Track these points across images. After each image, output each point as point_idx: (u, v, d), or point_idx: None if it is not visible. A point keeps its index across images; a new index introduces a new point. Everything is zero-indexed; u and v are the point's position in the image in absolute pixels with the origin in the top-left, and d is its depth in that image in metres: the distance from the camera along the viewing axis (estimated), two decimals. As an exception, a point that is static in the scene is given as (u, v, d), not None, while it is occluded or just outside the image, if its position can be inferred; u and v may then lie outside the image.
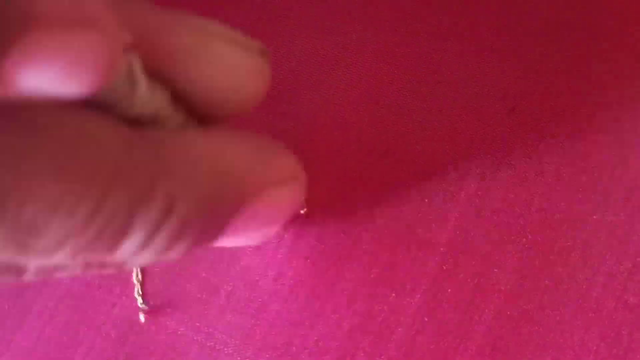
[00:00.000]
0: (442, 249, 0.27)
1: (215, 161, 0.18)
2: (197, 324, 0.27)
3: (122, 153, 0.16)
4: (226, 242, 0.21)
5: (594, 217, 0.27)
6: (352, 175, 0.29)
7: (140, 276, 0.28)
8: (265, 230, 0.22)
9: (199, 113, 0.20)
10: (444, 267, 0.27)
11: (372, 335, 0.26)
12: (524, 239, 0.27)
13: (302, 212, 0.28)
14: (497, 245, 0.27)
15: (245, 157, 0.19)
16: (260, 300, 0.28)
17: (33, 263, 0.17)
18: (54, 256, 0.16)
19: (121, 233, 0.17)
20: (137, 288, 0.28)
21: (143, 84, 0.18)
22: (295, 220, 0.28)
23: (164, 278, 0.28)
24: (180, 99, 0.19)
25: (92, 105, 0.17)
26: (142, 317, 0.28)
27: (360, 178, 0.29)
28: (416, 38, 0.31)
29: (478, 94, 0.30)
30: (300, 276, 0.28)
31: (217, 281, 0.28)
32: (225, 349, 0.27)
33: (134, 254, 0.18)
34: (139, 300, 0.28)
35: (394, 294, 0.27)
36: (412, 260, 0.27)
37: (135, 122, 0.18)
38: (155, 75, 0.18)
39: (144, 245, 0.18)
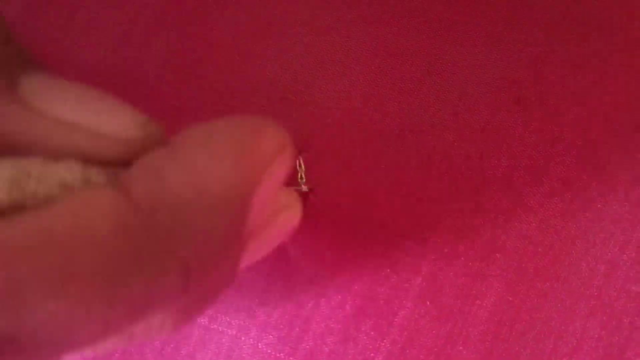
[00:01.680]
0: (444, 233, 0.27)
1: (200, 191, 0.17)
2: (201, 306, 0.28)
3: (119, 237, 0.16)
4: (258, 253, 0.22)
5: (598, 205, 0.27)
6: (357, 167, 0.29)
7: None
8: (284, 223, 0.22)
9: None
10: (446, 251, 0.27)
11: (374, 318, 0.27)
12: (527, 226, 0.27)
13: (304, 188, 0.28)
14: (500, 230, 0.27)
15: (224, 164, 0.18)
16: (263, 281, 0.28)
17: None
18: (89, 350, 0.17)
19: (143, 313, 0.16)
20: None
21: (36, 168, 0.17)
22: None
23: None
24: None
25: None
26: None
27: (364, 170, 0.29)
28: (423, 30, 0.31)
29: (486, 84, 0.30)
30: (303, 256, 0.28)
31: (221, 263, 0.28)
32: (229, 331, 0.27)
33: (170, 327, 0.18)
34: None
35: (395, 276, 0.27)
36: (414, 242, 0.27)
37: None
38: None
39: (177, 319, 0.18)
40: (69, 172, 0.17)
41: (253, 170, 0.18)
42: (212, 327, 0.27)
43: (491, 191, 0.28)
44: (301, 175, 0.28)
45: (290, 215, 0.22)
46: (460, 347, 0.26)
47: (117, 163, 0.18)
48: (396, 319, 0.27)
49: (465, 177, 0.28)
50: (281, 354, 0.27)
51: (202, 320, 0.27)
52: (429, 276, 0.27)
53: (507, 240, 0.27)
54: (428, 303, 0.27)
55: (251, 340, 0.27)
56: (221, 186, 0.17)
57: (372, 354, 0.26)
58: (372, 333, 0.26)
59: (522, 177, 0.28)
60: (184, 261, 0.16)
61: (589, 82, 0.29)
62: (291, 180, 0.28)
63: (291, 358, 0.27)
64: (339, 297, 0.27)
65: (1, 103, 0.17)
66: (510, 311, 0.26)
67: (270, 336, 0.27)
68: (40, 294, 0.14)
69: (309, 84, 0.30)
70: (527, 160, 0.28)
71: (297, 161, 0.28)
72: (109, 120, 0.18)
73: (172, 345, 0.27)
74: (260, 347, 0.27)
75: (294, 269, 0.28)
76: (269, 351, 0.27)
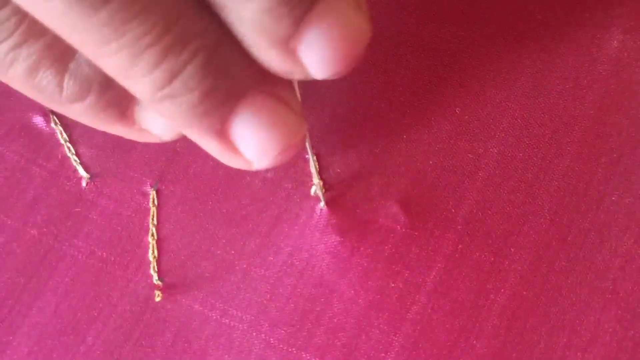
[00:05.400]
0: (459, 227, 0.27)
1: None
2: (212, 301, 0.27)
3: None
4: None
5: (613, 198, 0.27)
6: (369, 153, 0.29)
7: (155, 253, 0.28)
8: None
9: None
10: (460, 246, 0.27)
11: (387, 313, 0.26)
12: (542, 220, 0.27)
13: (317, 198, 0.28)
14: (514, 225, 0.27)
15: None
16: (275, 276, 0.28)
17: None
18: None
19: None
20: (153, 265, 0.28)
21: None
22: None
23: (179, 255, 0.28)
24: None
25: None
26: (157, 294, 0.28)
27: (377, 156, 0.29)
28: (433, 24, 0.31)
29: (496, 75, 0.29)
30: (315, 251, 0.28)
31: (232, 258, 0.28)
32: (241, 326, 0.27)
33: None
34: (155, 277, 0.28)
35: (408, 271, 0.27)
36: (427, 238, 0.27)
37: None
38: None
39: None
40: None
41: None
42: (223, 321, 0.27)
43: (504, 186, 0.28)
44: (316, 172, 0.28)
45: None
46: (474, 341, 0.26)
47: None
48: (409, 314, 0.26)
49: (475, 170, 0.28)
50: (293, 349, 0.26)
51: (214, 314, 0.27)
52: (443, 271, 0.27)
53: (521, 234, 0.27)
54: (441, 298, 0.26)
55: (263, 335, 0.27)
56: None
57: (384, 348, 0.26)
58: (385, 327, 0.26)
59: (532, 169, 0.28)
60: None
61: (600, 70, 0.29)
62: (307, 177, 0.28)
63: (303, 353, 0.26)
64: (352, 292, 0.27)
65: None
66: (524, 305, 0.26)
67: (282, 331, 0.27)
68: None
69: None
70: (538, 152, 0.28)
71: (313, 158, 0.28)
72: None
73: (183, 339, 0.27)
74: (272, 341, 0.27)
75: (306, 264, 0.28)
76: (281, 346, 0.27)
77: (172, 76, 0.19)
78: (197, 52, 0.19)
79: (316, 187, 0.28)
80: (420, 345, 0.26)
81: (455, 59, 0.30)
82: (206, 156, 0.24)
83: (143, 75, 0.19)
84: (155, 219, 0.29)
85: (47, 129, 0.31)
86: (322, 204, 0.28)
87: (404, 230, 0.27)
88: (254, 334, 0.27)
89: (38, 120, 0.31)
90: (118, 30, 0.18)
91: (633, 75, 0.29)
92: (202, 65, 0.19)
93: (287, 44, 0.19)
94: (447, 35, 0.30)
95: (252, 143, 0.21)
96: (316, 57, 0.20)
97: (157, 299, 0.28)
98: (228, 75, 0.20)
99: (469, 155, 0.28)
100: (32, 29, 0.21)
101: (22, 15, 0.21)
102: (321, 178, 0.28)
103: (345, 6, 0.20)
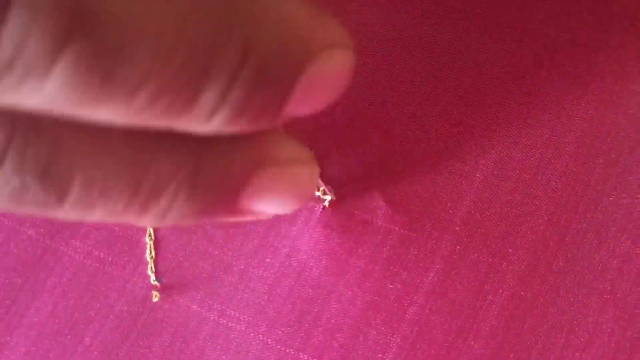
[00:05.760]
0: (457, 228, 0.27)
1: (285, 13, 0.17)
2: (210, 302, 0.27)
3: None
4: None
5: (610, 198, 0.27)
6: (367, 153, 0.29)
7: (153, 253, 0.28)
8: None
9: None
10: (458, 247, 0.27)
11: (385, 313, 0.26)
12: (539, 220, 0.27)
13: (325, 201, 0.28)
14: (511, 226, 0.27)
15: (305, 12, 0.18)
16: (273, 277, 0.27)
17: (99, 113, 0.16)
18: (135, 97, 0.16)
19: (200, 76, 0.16)
20: (150, 265, 0.28)
21: None
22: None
23: (176, 256, 0.28)
24: None
25: None
26: (154, 295, 0.28)
27: (376, 156, 0.29)
28: (433, 20, 0.31)
29: (495, 75, 0.29)
30: (313, 252, 0.28)
31: (229, 259, 0.28)
32: (238, 326, 0.27)
33: (210, 114, 0.17)
34: (152, 277, 0.28)
35: (406, 273, 0.27)
36: (425, 239, 0.27)
37: None
38: None
39: (223, 97, 0.17)
40: None
41: (321, 35, 0.18)
42: (221, 322, 0.27)
43: (502, 186, 0.28)
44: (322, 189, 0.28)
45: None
46: (471, 342, 0.26)
47: None
48: (407, 314, 0.26)
49: (473, 170, 0.28)
50: (290, 350, 0.26)
51: (211, 315, 0.27)
52: (441, 272, 0.27)
53: (519, 235, 0.27)
54: (439, 299, 0.26)
55: (260, 335, 0.27)
56: (298, 23, 0.18)
57: (382, 349, 0.26)
58: (383, 328, 0.26)
59: (530, 170, 0.28)
60: (249, 37, 0.17)
61: (600, 72, 0.29)
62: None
63: (300, 353, 0.26)
64: (350, 293, 0.27)
65: None
66: (522, 306, 0.26)
67: (280, 332, 0.27)
68: None
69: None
70: (536, 153, 0.28)
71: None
72: None
73: (180, 340, 0.27)
74: (269, 342, 0.27)
75: (303, 265, 0.28)
76: (278, 347, 0.27)
77: (163, 215, 0.19)
78: (177, 192, 0.19)
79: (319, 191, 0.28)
80: (418, 346, 0.26)
81: (453, 58, 0.30)
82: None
83: (136, 222, 0.19)
84: (152, 219, 0.29)
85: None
86: (326, 202, 0.28)
87: (402, 231, 0.27)
88: (252, 334, 0.27)
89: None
90: (87, 211, 0.18)
91: (632, 75, 0.29)
92: (187, 197, 0.19)
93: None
94: (447, 34, 0.30)
95: (269, 210, 0.21)
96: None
97: (155, 300, 0.28)
98: (218, 184, 0.20)
99: (467, 156, 0.28)
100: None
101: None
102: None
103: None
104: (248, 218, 0.22)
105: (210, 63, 0.16)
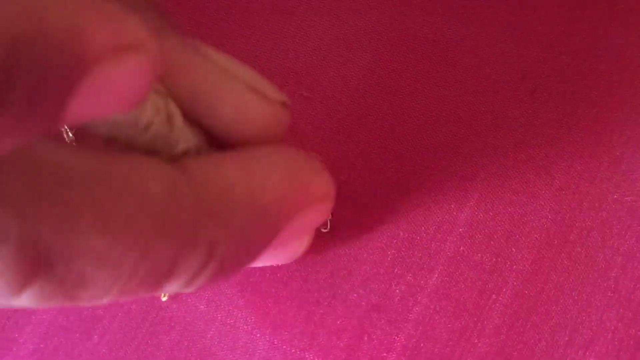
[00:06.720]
0: (460, 229, 0.27)
1: (251, 194, 0.18)
2: (218, 302, 0.28)
3: (167, 200, 0.17)
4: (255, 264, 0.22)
5: (614, 196, 0.27)
6: (369, 158, 0.29)
7: (159, 253, 0.29)
8: (293, 250, 0.22)
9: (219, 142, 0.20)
10: (462, 248, 0.27)
11: (389, 314, 0.27)
12: (543, 219, 0.27)
13: (324, 230, 0.28)
14: (515, 225, 0.27)
15: (279, 184, 0.19)
16: (279, 278, 0.28)
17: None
18: (99, 301, 0.17)
19: (164, 278, 0.17)
20: (157, 265, 0.28)
21: (180, 120, 0.18)
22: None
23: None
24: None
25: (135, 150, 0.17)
26: (163, 294, 0.28)
27: (377, 161, 0.29)
28: (434, 19, 0.30)
29: (498, 75, 0.29)
30: (318, 255, 0.28)
31: (236, 259, 0.28)
32: (245, 327, 0.27)
33: (174, 292, 0.18)
34: (159, 277, 0.28)
35: (410, 274, 0.27)
36: (429, 240, 0.27)
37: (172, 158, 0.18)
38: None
39: (185, 286, 0.18)
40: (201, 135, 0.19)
41: (299, 200, 0.19)
42: (228, 322, 0.27)
43: (505, 186, 0.28)
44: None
45: (326, 204, 0.22)
46: (475, 340, 0.26)
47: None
48: (411, 315, 0.27)
49: (476, 170, 0.28)
50: (296, 350, 0.27)
51: (218, 315, 0.28)
52: (445, 273, 0.27)
53: (523, 234, 0.27)
54: (443, 299, 0.27)
55: (267, 336, 0.27)
56: (269, 198, 0.19)
57: (387, 348, 0.26)
58: (387, 328, 0.26)
59: (534, 169, 0.28)
60: (214, 241, 0.17)
61: (603, 69, 0.29)
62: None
63: (306, 353, 0.27)
64: (355, 295, 0.27)
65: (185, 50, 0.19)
66: (526, 304, 0.26)
67: (285, 332, 0.27)
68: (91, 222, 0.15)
69: (315, 73, 0.30)
70: (540, 151, 0.28)
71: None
72: (262, 81, 0.20)
73: (188, 339, 0.27)
74: (275, 342, 0.27)
75: (310, 267, 0.28)
76: (284, 347, 0.27)
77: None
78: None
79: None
80: (422, 345, 0.26)
81: (456, 56, 0.30)
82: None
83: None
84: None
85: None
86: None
87: (406, 234, 0.28)
88: (258, 334, 0.27)
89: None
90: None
91: (636, 73, 0.28)
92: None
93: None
94: (447, 34, 0.30)
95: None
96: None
97: (163, 299, 0.28)
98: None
99: (470, 157, 0.28)
100: None
101: None
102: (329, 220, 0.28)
103: None
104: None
105: (173, 270, 0.17)
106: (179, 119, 0.18)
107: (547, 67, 0.29)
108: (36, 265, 0.15)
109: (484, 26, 0.30)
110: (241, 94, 0.20)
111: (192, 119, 0.19)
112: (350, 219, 0.28)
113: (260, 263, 0.24)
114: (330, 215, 0.28)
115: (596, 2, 0.30)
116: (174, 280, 0.17)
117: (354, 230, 0.28)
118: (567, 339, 0.26)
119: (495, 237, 0.27)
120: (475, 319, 0.26)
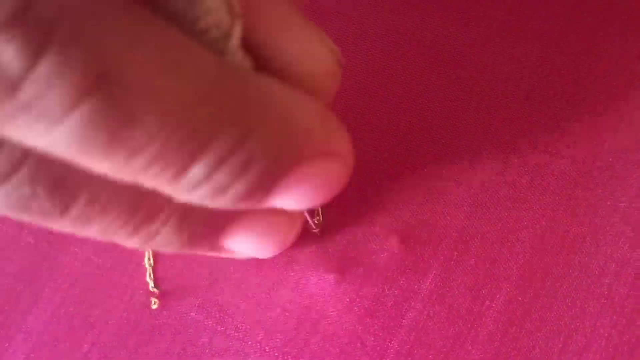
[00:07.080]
0: (454, 234, 0.27)
1: (285, 112, 0.19)
2: (208, 309, 0.27)
3: (215, 77, 0.17)
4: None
5: (608, 203, 0.27)
6: (362, 159, 0.29)
7: (151, 260, 0.28)
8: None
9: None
10: (455, 254, 0.27)
11: (382, 319, 0.26)
12: (537, 225, 0.27)
13: (314, 231, 0.28)
14: (509, 231, 0.27)
15: (311, 119, 0.19)
16: (271, 285, 0.28)
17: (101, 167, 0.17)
18: (133, 159, 0.17)
19: (194, 153, 0.17)
20: (149, 272, 0.28)
21: (237, 39, 0.19)
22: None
23: (175, 262, 0.28)
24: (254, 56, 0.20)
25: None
26: (153, 301, 0.28)
27: (370, 162, 0.29)
28: (432, 21, 0.31)
29: (495, 77, 0.29)
30: (311, 261, 0.28)
31: (228, 266, 0.28)
32: (236, 334, 0.27)
33: (193, 187, 0.18)
34: (151, 284, 0.28)
35: (404, 279, 0.27)
36: (423, 245, 0.27)
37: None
38: (244, 35, 0.19)
39: (207, 176, 0.18)
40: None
41: (321, 140, 0.20)
42: (219, 329, 0.27)
43: (499, 192, 0.28)
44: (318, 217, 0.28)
45: (343, 167, 0.21)
46: (469, 347, 0.26)
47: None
48: (405, 320, 0.26)
49: (471, 175, 0.28)
50: (288, 357, 0.26)
51: (209, 322, 0.27)
52: (438, 278, 0.27)
53: (517, 240, 0.27)
54: (437, 304, 0.26)
55: (258, 343, 0.27)
56: (302, 125, 0.19)
57: (380, 355, 0.26)
58: (381, 334, 0.26)
59: (529, 174, 0.28)
60: (247, 129, 0.18)
61: (599, 73, 0.29)
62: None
63: (299, 360, 0.26)
64: (347, 299, 0.27)
65: None
66: (519, 310, 0.26)
67: (277, 339, 0.27)
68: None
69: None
70: (533, 158, 0.28)
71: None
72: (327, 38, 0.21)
73: (179, 347, 0.27)
74: (267, 349, 0.27)
75: (301, 273, 0.28)
76: (276, 354, 0.27)
77: (150, 238, 0.21)
78: (168, 218, 0.20)
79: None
80: (415, 352, 0.26)
81: (453, 57, 0.30)
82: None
83: (123, 241, 0.21)
84: (151, 225, 0.29)
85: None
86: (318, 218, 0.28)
87: (399, 238, 0.28)
88: (250, 342, 0.27)
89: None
90: (84, 226, 0.19)
91: (629, 79, 0.29)
92: (176, 225, 0.21)
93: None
94: (444, 35, 0.30)
95: (246, 252, 0.24)
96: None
97: (154, 307, 0.28)
98: (205, 220, 0.21)
99: (465, 161, 0.28)
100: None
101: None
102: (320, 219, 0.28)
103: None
104: (226, 256, 0.23)
105: (204, 145, 0.17)
106: (237, 38, 0.19)
107: (545, 69, 0.29)
108: (97, 78, 0.15)
109: (481, 27, 0.30)
110: (311, 36, 0.20)
111: (251, 45, 0.20)
112: (342, 221, 0.28)
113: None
114: (321, 217, 0.28)
115: (592, 5, 0.30)
116: (202, 159, 0.17)
117: (346, 232, 0.28)
118: (561, 345, 0.26)
119: (489, 242, 0.27)
120: (469, 325, 0.26)
